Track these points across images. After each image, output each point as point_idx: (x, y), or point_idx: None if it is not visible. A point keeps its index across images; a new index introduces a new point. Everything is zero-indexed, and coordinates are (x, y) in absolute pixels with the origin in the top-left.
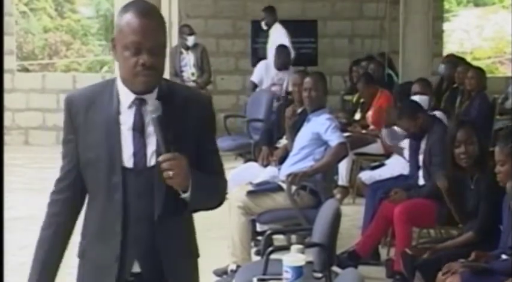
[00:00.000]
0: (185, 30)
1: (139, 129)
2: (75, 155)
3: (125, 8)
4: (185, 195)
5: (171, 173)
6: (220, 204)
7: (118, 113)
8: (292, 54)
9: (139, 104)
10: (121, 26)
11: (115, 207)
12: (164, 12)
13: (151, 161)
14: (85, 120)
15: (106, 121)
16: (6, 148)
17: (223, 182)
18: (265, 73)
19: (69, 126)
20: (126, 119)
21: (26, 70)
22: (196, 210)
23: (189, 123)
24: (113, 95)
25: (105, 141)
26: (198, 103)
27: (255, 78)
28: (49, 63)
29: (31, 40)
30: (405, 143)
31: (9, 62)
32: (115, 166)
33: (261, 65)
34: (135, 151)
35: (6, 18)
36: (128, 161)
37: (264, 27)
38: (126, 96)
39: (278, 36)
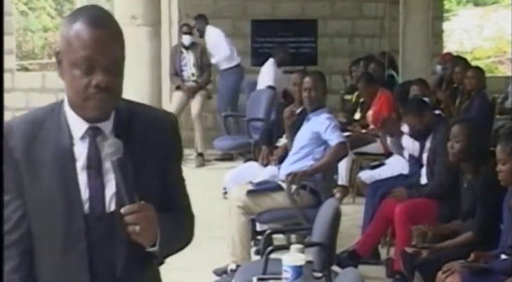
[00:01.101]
0: (183, 29)
1: (95, 167)
2: (21, 196)
3: (73, 16)
4: (153, 249)
5: (137, 228)
6: (188, 244)
7: (71, 144)
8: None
9: (93, 134)
10: (68, 38)
11: (78, 260)
12: (164, 11)
13: (110, 206)
14: (27, 157)
15: (57, 156)
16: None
17: (191, 218)
18: (274, 74)
19: (9, 162)
20: (80, 152)
21: (26, 69)
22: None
23: (151, 153)
24: (61, 123)
25: (58, 182)
26: (160, 127)
27: (270, 81)
28: (49, 63)
29: (30, 39)
30: (405, 142)
31: (9, 61)
32: (75, 211)
33: (270, 67)
34: (91, 194)
35: (5, 18)
36: (84, 205)
37: (197, 34)
38: (76, 124)
39: (215, 35)
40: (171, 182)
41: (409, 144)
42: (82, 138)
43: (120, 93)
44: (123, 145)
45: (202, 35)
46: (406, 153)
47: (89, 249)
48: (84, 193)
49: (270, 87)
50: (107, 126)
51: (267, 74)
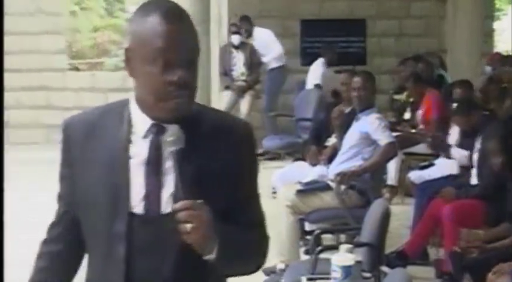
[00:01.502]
0: (231, 28)
1: (154, 165)
2: (71, 195)
3: (144, 11)
4: (209, 257)
5: (188, 226)
6: (259, 267)
7: (128, 142)
8: (279, 51)
9: (156, 132)
10: (141, 32)
11: (116, 265)
12: (213, 10)
13: (167, 206)
14: (83, 152)
15: (111, 153)
16: (56, 146)
17: (264, 239)
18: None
19: (65, 158)
20: (138, 151)
21: (76, 69)
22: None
23: (221, 160)
24: (123, 121)
25: (107, 179)
26: (231, 136)
27: (317, 79)
28: (98, 62)
29: (81, 39)
30: (454, 154)
31: (60, 61)
32: (118, 211)
33: (319, 66)
34: (147, 193)
35: (56, 18)
36: (137, 205)
37: (245, 35)
38: (141, 122)
39: (266, 35)
40: (241, 198)
41: (458, 155)
42: (145, 136)
43: (196, 90)
44: (186, 139)
45: (249, 35)
46: (453, 151)
47: (131, 254)
48: (139, 192)
49: (316, 85)
50: (173, 127)
51: (315, 73)
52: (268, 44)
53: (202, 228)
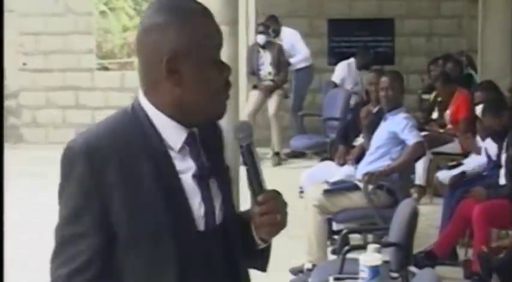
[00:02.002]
0: (258, 28)
1: (204, 177)
2: (103, 230)
3: (181, 11)
4: (264, 245)
5: (279, 216)
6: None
7: (169, 158)
8: (307, 52)
9: (193, 141)
10: (194, 33)
11: None
12: (241, 10)
13: (219, 217)
14: (122, 178)
15: (156, 173)
16: None
17: None
18: (347, 73)
19: (91, 188)
20: (183, 165)
21: (106, 69)
22: None
23: (217, 163)
24: (149, 135)
25: (164, 202)
26: (216, 132)
27: (336, 78)
28: (128, 62)
29: (110, 39)
30: (484, 143)
31: (89, 60)
32: (188, 231)
33: (343, 65)
34: (206, 209)
35: (86, 18)
36: (200, 222)
37: (273, 35)
38: (174, 133)
39: (293, 35)
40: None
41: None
42: (182, 148)
43: None
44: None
45: (276, 35)
46: (483, 152)
47: (185, 275)
48: (199, 209)
49: (332, 82)
50: (241, 123)
51: (337, 71)
52: (295, 44)
53: (287, 214)
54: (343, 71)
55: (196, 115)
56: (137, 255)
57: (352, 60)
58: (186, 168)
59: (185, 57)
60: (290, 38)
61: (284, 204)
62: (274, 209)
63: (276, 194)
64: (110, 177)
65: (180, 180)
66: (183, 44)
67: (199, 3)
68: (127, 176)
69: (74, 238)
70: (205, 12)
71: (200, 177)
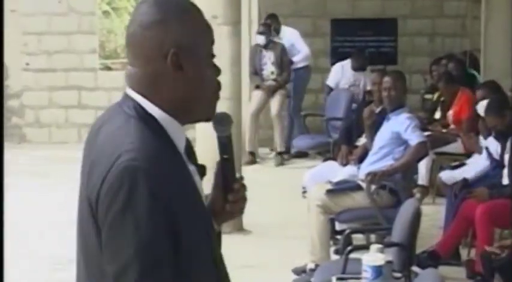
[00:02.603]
0: (258, 29)
1: (201, 177)
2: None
3: (181, 7)
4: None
5: (244, 203)
6: None
7: (184, 161)
8: (307, 51)
9: (187, 140)
10: (194, 29)
11: None
12: (244, 10)
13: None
14: (173, 188)
15: (186, 177)
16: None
17: None
18: (341, 75)
19: (161, 205)
20: (190, 167)
21: (109, 68)
22: None
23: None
24: (164, 140)
25: (201, 205)
26: None
27: (330, 82)
28: None
29: (113, 39)
30: (486, 142)
31: (92, 60)
32: (213, 231)
33: (337, 67)
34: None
35: (89, 18)
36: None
37: (273, 34)
38: (179, 136)
39: (292, 34)
40: None
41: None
42: (184, 149)
43: None
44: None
45: (277, 33)
46: (484, 152)
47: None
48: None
49: (327, 86)
50: (220, 114)
51: (330, 75)
52: (295, 43)
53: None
54: (336, 73)
55: (190, 114)
56: (197, 259)
57: (347, 61)
58: (192, 169)
59: (187, 53)
60: (290, 37)
61: (245, 193)
62: (244, 197)
63: (242, 181)
64: (170, 188)
65: (195, 182)
66: (185, 39)
67: (190, 1)
68: (176, 184)
69: (163, 258)
70: (198, 9)
71: (200, 175)
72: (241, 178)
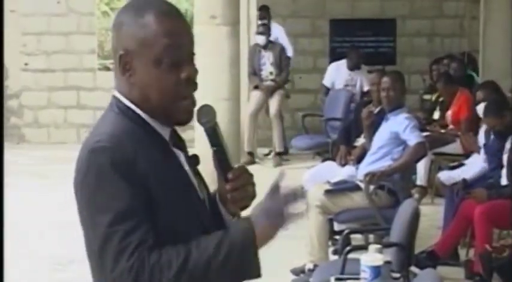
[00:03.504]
0: (258, 29)
1: (193, 165)
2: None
3: (138, 9)
4: (234, 219)
5: (250, 188)
6: None
7: (171, 149)
8: (291, 51)
9: (176, 137)
10: (142, 32)
11: None
12: (242, 11)
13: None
14: (149, 167)
15: (168, 162)
16: None
17: None
18: (336, 75)
19: (133, 179)
20: (179, 157)
21: (107, 69)
22: None
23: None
24: (148, 131)
25: (187, 195)
26: None
27: (326, 81)
28: None
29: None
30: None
31: (91, 60)
32: (204, 220)
33: (332, 67)
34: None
35: (88, 18)
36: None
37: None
38: (161, 128)
39: (281, 32)
40: None
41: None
42: (169, 140)
43: None
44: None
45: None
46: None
47: None
48: (201, 196)
49: (324, 86)
50: (204, 108)
51: (326, 75)
52: (280, 40)
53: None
54: (331, 73)
55: (157, 117)
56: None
57: (342, 61)
58: (180, 156)
59: (136, 55)
60: (275, 32)
61: (251, 177)
62: (244, 183)
63: (244, 169)
64: (141, 168)
65: (183, 167)
66: (133, 41)
67: (168, 3)
68: (152, 166)
69: (139, 225)
70: (168, 11)
71: (190, 166)
72: (240, 168)
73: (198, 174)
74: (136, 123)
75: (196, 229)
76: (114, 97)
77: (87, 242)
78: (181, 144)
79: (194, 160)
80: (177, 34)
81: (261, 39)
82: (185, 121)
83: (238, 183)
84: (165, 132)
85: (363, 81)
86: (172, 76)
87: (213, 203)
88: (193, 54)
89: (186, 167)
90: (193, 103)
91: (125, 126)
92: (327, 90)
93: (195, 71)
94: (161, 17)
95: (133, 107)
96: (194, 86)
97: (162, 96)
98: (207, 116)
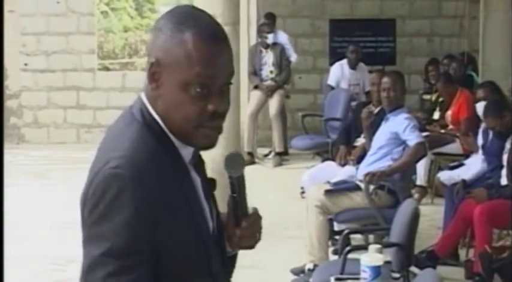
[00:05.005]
0: (264, 28)
1: (207, 192)
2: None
3: (180, 23)
4: (233, 254)
5: (258, 236)
6: None
7: (189, 172)
8: (294, 57)
9: (197, 158)
10: (178, 50)
11: None
12: (242, 11)
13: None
14: (164, 196)
15: (184, 187)
16: (88, 146)
17: None
18: (341, 74)
19: (145, 215)
20: (195, 178)
21: (107, 69)
22: None
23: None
24: (168, 149)
25: (195, 215)
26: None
27: (331, 81)
28: (129, 62)
29: (112, 39)
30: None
31: (91, 61)
32: (213, 251)
33: (336, 66)
34: (213, 225)
35: (87, 18)
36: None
37: (269, 37)
38: (183, 147)
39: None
40: None
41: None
42: (190, 162)
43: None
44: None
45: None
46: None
47: None
48: (210, 221)
49: (329, 86)
50: (233, 155)
51: (331, 74)
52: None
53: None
54: (336, 72)
55: (181, 136)
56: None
57: (345, 61)
58: (196, 181)
59: (166, 70)
60: (281, 39)
61: (261, 224)
62: (254, 233)
63: (257, 216)
64: (155, 205)
65: (198, 195)
66: (166, 54)
67: (212, 23)
68: (167, 194)
69: (134, 266)
70: (209, 34)
71: (205, 191)
72: (255, 213)
73: (211, 198)
74: (159, 141)
75: (202, 276)
76: (141, 101)
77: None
78: (200, 164)
79: (211, 184)
80: (213, 64)
81: (271, 38)
82: (206, 148)
83: (249, 231)
84: (187, 151)
85: (365, 81)
86: (198, 105)
87: (220, 232)
88: (228, 84)
89: (201, 193)
90: (219, 132)
91: (148, 148)
92: (332, 89)
93: (225, 105)
94: (200, 41)
95: (159, 120)
96: (221, 118)
97: (184, 121)
98: (236, 167)
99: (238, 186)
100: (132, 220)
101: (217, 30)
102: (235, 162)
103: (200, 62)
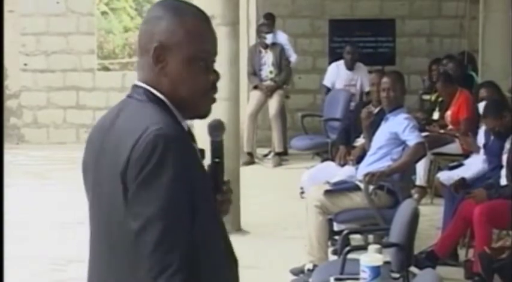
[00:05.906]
0: (263, 29)
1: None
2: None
3: (179, 10)
4: None
5: (230, 203)
6: None
7: (194, 144)
8: (294, 57)
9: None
10: (183, 30)
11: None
12: (242, 11)
13: None
14: (192, 161)
15: (196, 154)
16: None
17: None
18: (336, 75)
19: (186, 171)
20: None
21: (107, 69)
22: None
23: None
24: (178, 123)
25: (205, 177)
26: None
27: (327, 82)
28: (129, 62)
29: (111, 39)
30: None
31: (90, 61)
32: (218, 219)
33: (332, 67)
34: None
35: (87, 18)
36: None
37: (268, 37)
38: (183, 122)
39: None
40: None
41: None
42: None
43: None
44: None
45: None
46: (482, 152)
47: None
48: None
49: (324, 86)
50: (214, 121)
51: (327, 75)
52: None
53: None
54: (332, 73)
55: (185, 110)
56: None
57: (341, 61)
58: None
59: (171, 50)
60: (280, 39)
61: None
62: (230, 197)
63: (229, 186)
64: (191, 161)
65: (200, 158)
66: (170, 36)
67: (201, 10)
68: (194, 160)
69: (181, 220)
70: (203, 17)
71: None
72: (228, 182)
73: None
74: (168, 114)
75: (218, 231)
76: (140, 87)
77: (119, 225)
78: (193, 137)
79: (201, 154)
80: (209, 41)
81: (270, 38)
82: (207, 114)
83: (228, 196)
84: (184, 125)
85: (363, 81)
86: (204, 77)
87: None
88: (214, 61)
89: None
90: (214, 101)
91: (169, 120)
92: (328, 90)
93: (219, 77)
94: (199, 21)
95: (164, 99)
96: (216, 89)
97: (193, 91)
98: (219, 131)
99: (220, 151)
100: (178, 178)
101: (206, 15)
102: (217, 128)
103: (204, 39)
